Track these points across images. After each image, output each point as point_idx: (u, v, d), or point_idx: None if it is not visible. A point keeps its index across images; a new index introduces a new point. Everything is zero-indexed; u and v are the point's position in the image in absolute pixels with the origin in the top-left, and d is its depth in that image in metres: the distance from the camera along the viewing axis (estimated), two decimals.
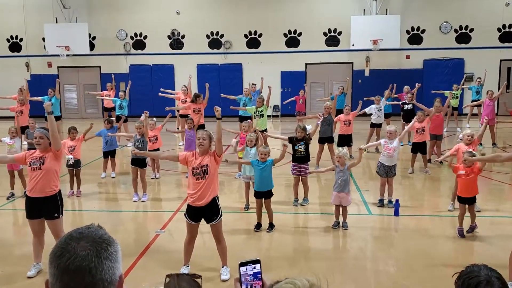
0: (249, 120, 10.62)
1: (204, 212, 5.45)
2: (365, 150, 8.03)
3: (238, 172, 10.21)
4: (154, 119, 10.59)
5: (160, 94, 15.48)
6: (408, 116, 12.92)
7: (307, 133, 8.52)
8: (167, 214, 8.11)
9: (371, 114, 13.17)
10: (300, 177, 8.39)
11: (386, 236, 7.25)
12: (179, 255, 5.75)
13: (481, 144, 12.43)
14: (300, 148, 8.30)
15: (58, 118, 14.50)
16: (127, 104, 14.48)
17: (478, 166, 6.83)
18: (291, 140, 8.40)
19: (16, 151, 9.14)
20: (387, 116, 13.84)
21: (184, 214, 5.58)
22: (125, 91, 14.60)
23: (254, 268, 1.66)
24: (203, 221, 5.58)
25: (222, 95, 14.67)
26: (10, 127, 9.33)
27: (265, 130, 11.59)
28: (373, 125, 13.20)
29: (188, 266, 5.66)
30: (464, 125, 16.13)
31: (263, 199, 7.15)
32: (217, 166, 5.47)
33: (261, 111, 11.71)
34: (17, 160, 5.91)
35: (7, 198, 9.03)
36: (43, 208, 5.59)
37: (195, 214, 5.47)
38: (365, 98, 13.48)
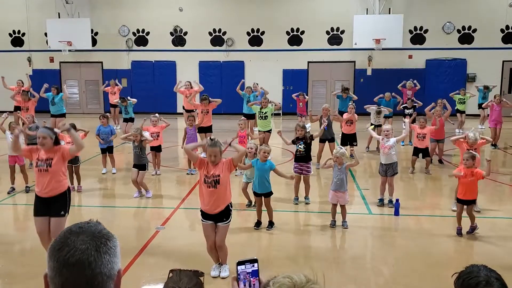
0: (243, 118, 10.63)
1: (216, 217, 5.46)
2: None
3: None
4: (157, 115, 10.58)
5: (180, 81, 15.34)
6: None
7: (307, 131, 8.52)
8: (167, 210, 8.12)
9: (369, 114, 13.18)
10: (302, 175, 8.39)
11: (386, 235, 7.25)
12: (179, 251, 5.77)
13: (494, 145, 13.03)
14: (300, 147, 8.29)
15: (63, 115, 14.60)
16: (132, 106, 14.40)
17: (480, 172, 6.76)
18: (293, 140, 8.44)
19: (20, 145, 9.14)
20: (388, 117, 13.79)
21: (201, 215, 5.55)
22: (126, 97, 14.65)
23: (253, 266, 1.67)
24: None
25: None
26: (10, 123, 9.29)
27: (269, 131, 11.61)
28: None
29: (219, 264, 5.65)
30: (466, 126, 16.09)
31: (263, 197, 7.16)
32: (229, 173, 5.47)
33: (265, 112, 11.70)
34: (24, 152, 5.80)
35: (8, 193, 9.03)
36: (51, 205, 5.57)
37: (208, 217, 5.50)
38: (372, 106, 13.39)
